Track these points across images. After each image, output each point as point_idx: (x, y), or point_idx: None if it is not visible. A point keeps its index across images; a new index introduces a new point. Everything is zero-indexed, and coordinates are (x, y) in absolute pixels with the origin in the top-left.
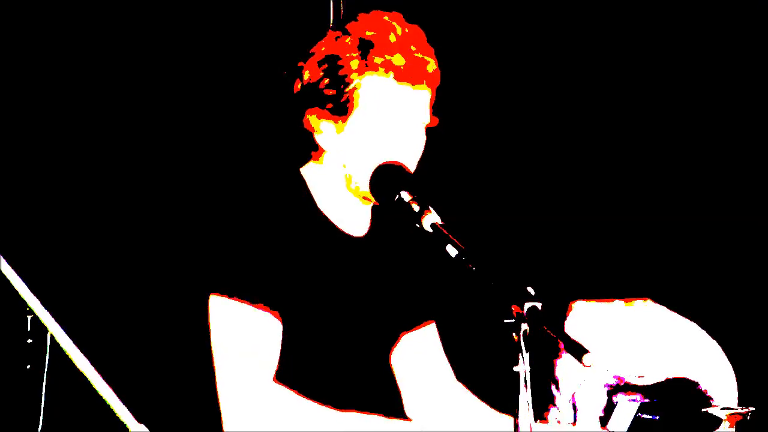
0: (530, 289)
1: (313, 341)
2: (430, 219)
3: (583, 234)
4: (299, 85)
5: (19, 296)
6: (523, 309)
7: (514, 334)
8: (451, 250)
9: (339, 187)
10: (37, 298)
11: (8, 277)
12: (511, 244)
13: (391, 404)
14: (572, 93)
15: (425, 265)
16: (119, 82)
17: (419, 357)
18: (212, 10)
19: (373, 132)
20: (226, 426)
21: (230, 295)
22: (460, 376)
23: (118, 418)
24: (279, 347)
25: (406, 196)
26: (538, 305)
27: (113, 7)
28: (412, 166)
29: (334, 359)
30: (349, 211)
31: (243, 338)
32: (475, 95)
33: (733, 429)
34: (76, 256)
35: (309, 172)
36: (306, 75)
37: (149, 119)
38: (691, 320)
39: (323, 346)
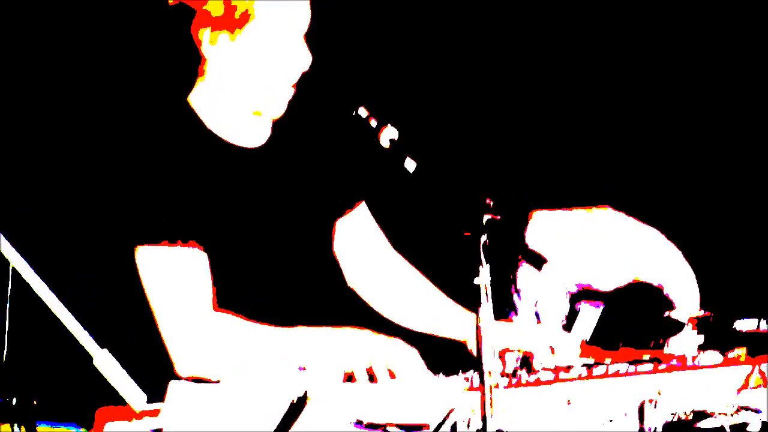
0: (489, 201)
1: (247, 258)
2: (388, 134)
3: (542, 142)
4: None
5: None
6: (482, 221)
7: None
8: (410, 165)
9: (228, 103)
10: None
11: None
12: (469, 155)
13: (344, 301)
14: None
15: (343, 152)
16: None
17: (355, 235)
18: None
19: (270, 43)
20: (176, 364)
21: (150, 242)
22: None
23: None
24: (209, 277)
25: (363, 111)
26: (498, 217)
27: None
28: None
29: (274, 269)
30: (241, 125)
31: (172, 277)
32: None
33: (695, 331)
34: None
35: (196, 95)
36: None
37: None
38: (650, 226)
39: (260, 260)
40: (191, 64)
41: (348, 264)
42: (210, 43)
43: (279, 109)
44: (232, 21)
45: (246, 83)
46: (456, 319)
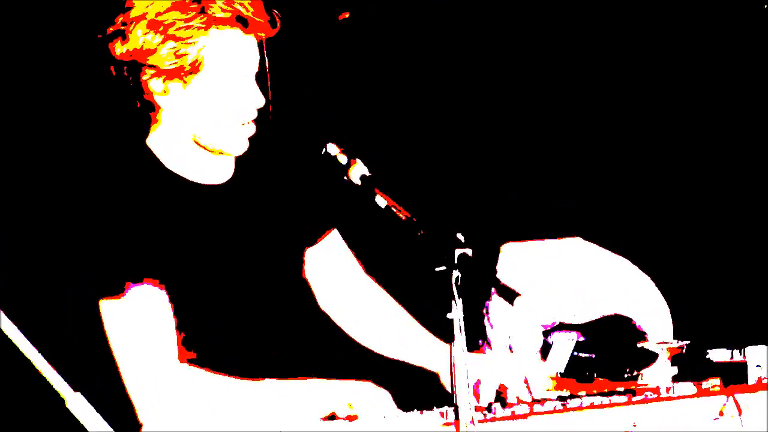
0: (460, 236)
1: (218, 290)
2: (358, 171)
3: (510, 173)
4: (123, 48)
5: None
6: (454, 257)
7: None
8: (380, 202)
9: (187, 145)
10: None
11: None
12: (439, 189)
13: (317, 326)
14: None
15: (310, 180)
16: None
17: (327, 261)
18: None
19: (223, 87)
20: (141, 418)
21: (115, 289)
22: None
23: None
24: (172, 325)
25: (333, 148)
26: (469, 252)
27: None
28: (250, 117)
29: (244, 300)
30: (202, 163)
31: (135, 335)
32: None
33: (670, 362)
34: None
35: (153, 140)
36: (138, 39)
37: None
38: (621, 256)
39: (230, 291)
40: (144, 110)
41: (320, 288)
42: (163, 92)
43: (239, 148)
44: (183, 70)
45: (202, 127)
46: (429, 349)
